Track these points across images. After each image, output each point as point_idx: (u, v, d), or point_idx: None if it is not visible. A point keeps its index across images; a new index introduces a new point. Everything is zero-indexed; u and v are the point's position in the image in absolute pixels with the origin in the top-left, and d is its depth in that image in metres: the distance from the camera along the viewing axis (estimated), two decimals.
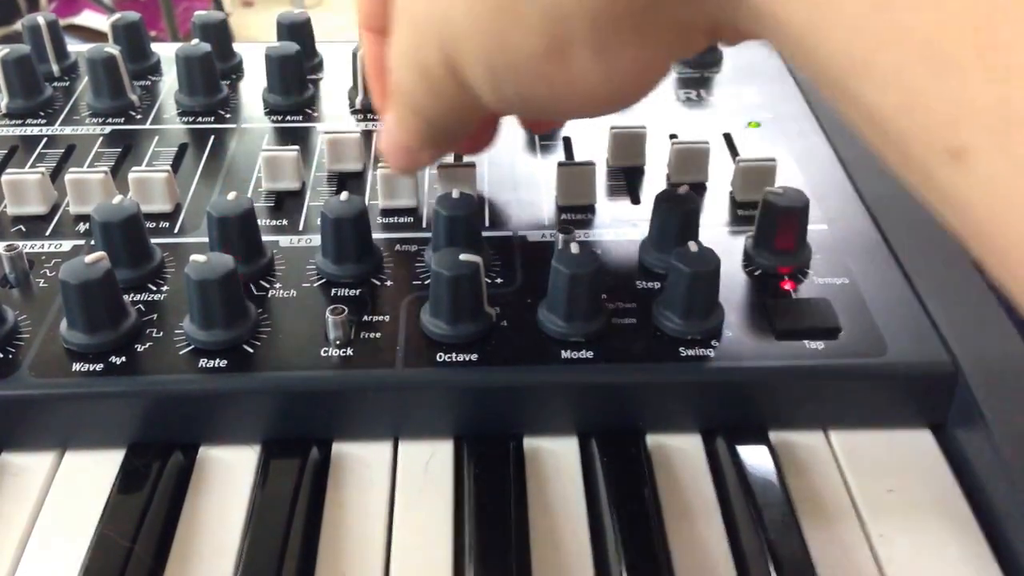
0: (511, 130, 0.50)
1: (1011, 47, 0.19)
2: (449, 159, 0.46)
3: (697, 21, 0.31)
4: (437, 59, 0.33)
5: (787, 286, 0.40)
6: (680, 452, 0.37)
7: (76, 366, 0.36)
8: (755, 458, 0.36)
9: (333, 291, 0.40)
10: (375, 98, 0.44)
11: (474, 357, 0.36)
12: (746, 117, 0.52)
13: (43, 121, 0.52)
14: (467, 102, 0.35)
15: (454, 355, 0.37)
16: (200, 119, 0.53)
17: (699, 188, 0.47)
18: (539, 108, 0.34)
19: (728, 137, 0.51)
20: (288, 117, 0.53)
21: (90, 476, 0.36)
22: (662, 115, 0.52)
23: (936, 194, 0.22)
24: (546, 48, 0.30)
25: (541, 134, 0.51)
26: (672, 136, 0.51)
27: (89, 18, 2.34)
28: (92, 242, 0.42)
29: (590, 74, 0.31)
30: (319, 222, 0.41)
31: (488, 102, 0.34)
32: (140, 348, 0.37)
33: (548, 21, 0.30)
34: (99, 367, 0.36)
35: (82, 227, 0.44)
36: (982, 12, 0.19)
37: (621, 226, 0.44)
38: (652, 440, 0.37)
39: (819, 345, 0.37)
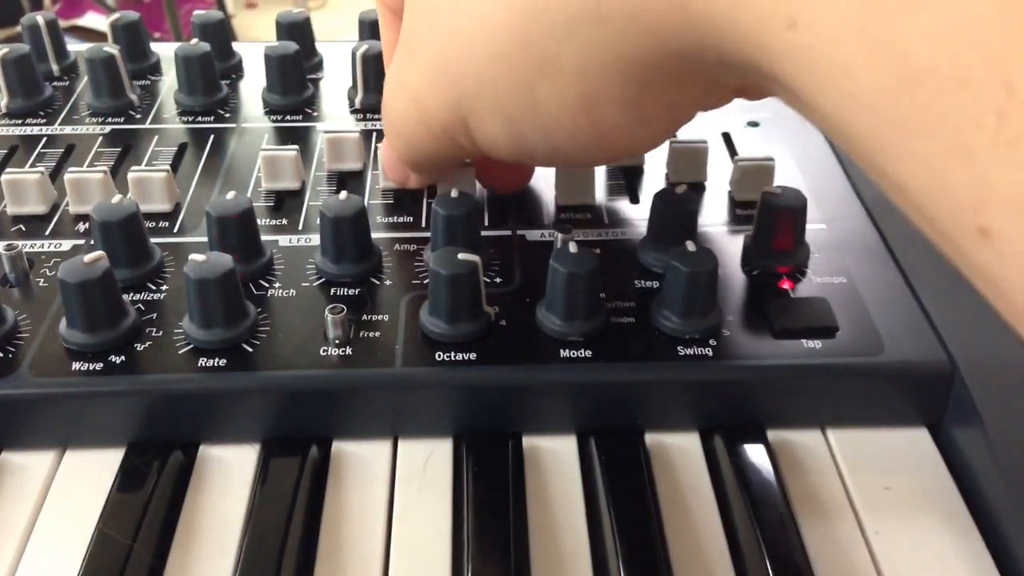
0: None
1: None
2: None
3: (727, 80, 0.31)
4: (445, 104, 0.33)
5: (785, 285, 0.40)
6: (678, 450, 0.37)
7: (76, 365, 0.36)
8: (753, 456, 0.36)
9: (332, 290, 0.40)
10: None
11: (473, 356, 0.37)
12: (745, 116, 0.53)
13: (43, 121, 0.52)
14: (460, 144, 0.35)
15: (453, 354, 0.37)
16: (200, 119, 0.53)
17: (698, 187, 0.47)
18: (559, 157, 0.34)
19: (727, 136, 0.51)
20: (288, 117, 0.53)
21: (90, 475, 0.36)
22: None
23: (968, 268, 0.22)
24: (576, 101, 0.30)
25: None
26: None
27: (92, 20, 2.34)
28: (91, 241, 0.42)
29: (619, 127, 0.31)
30: (318, 221, 0.41)
31: (501, 151, 0.34)
32: (140, 347, 0.37)
33: (579, 76, 0.30)
34: (99, 366, 0.36)
35: (82, 227, 0.44)
36: (1003, 103, 0.19)
37: (620, 225, 0.44)
38: (650, 439, 0.37)
39: (817, 344, 0.37)
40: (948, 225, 0.22)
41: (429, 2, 0.33)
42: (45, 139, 0.51)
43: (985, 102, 0.19)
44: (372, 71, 0.52)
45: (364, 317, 0.38)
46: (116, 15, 0.57)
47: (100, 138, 0.51)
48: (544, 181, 0.47)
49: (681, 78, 0.30)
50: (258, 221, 0.41)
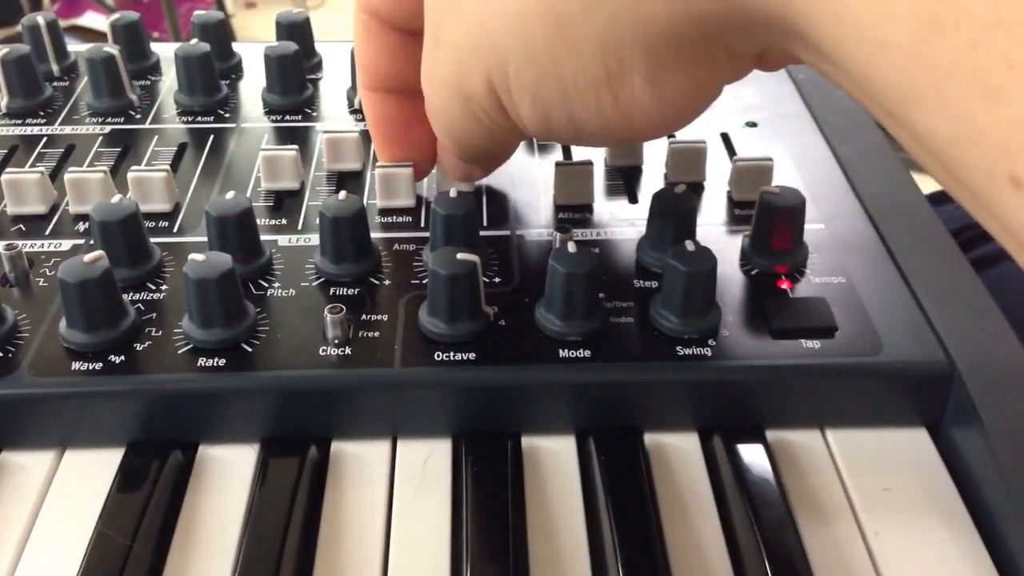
0: None
1: None
2: None
3: (748, 48, 0.31)
4: (481, 86, 0.33)
5: (784, 285, 0.40)
6: (677, 450, 0.37)
7: (75, 365, 0.36)
8: (752, 456, 0.36)
9: (332, 290, 0.40)
10: (381, 156, 0.45)
11: (472, 356, 0.37)
12: (743, 117, 0.53)
13: (43, 121, 0.52)
14: (507, 128, 0.35)
15: (452, 354, 0.37)
16: (199, 119, 0.53)
17: (696, 187, 0.47)
18: (587, 135, 0.34)
19: (725, 137, 0.51)
20: (287, 117, 0.53)
21: (89, 475, 0.36)
22: None
23: (996, 220, 0.22)
24: (600, 76, 0.30)
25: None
26: (670, 136, 0.51)
27: (92, 19, 2.34)
28: (91, 241, 0.42)
29: (643, 100, 0.31)
30: (318, 221, 0.41)
31: (531, 130, 0.34)
32: (139, 347, 0.37)
33: (603, 49, 0.30)
34: (98, 366, 0.36)
35: (82, 226, 0.44)
36: None
37: (619, 225, 0.44)
38: (649, 439, 0.37)
39: (815, 344, 0.37)
40: (976, 175, 0.21)
41: None
42: (45, 139, 0.51)
43: (1019, 42, 0.19)
44: None
45: (363, 317, 0.38)
46: (116, 15, 0.57)
47: (100, 138, 0.51)
48: (543, 181, 0.47)
49: (701, 47, 0.30)
50: (258, 221, 0.41)
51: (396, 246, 0.43)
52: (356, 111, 0.53)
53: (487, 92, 0.33)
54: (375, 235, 0.43)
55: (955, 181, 0.23)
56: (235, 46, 0.59)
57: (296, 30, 0.57)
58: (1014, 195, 0.20)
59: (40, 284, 0.40)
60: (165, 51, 0.59)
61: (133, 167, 0.45)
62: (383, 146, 0.44)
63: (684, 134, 0.50)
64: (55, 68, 0.57)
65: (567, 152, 0.50)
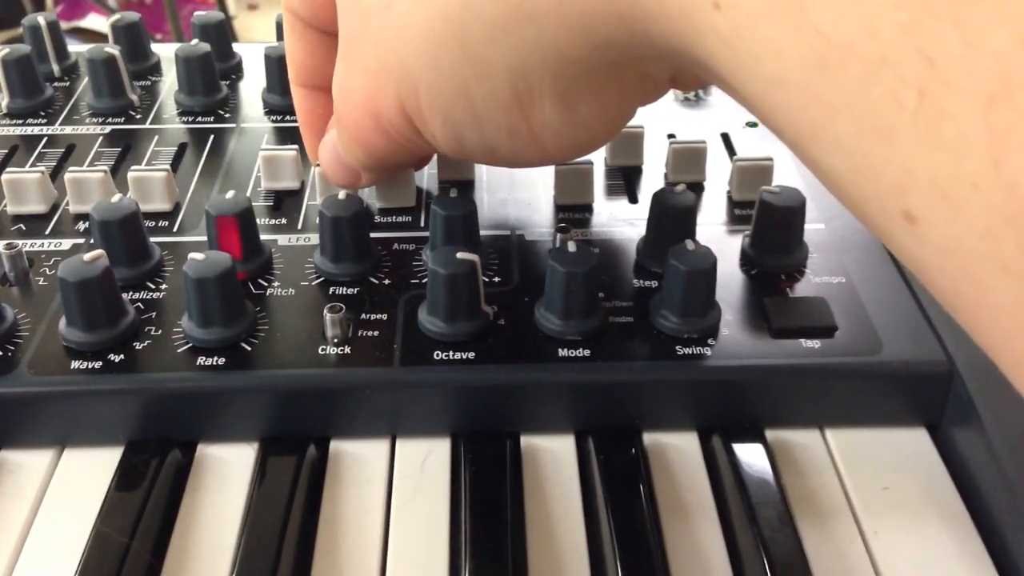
0: None
1: (954, 117, 0.18)
2: None
3: (660, 72, 0.31)
4: (392, 107, 0.33)
5: (784, 285, 0.40)
6: (676, 450, 0.37)
7: (75, 364, 0.36)
8: (751, 456, 0.36)
9: (331, 289, 0.40)
10: (310, 154, 0.44)
11: (471, 355, 0.37)
12: (744, 116, 0.53)
13: (43, 121, 0.52)
14: (420, 145, 0.35)
15: (451, 353, 0.37)
16: (200, 119, 0.53)
17: (697, 187, 0.47)
18: (500, 156, 0.34)
19: (726, 136, 0.51)
20: (287, 117, 0.53)
21: (88, 473, 0.36)
22: (660, 114, 0.53)
23: (898, 254, 0.22)
24: (510, 99, 0.30)
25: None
26: (670, 135, 0.51)
27: (94, 21, 2.34)
28: (91, 241, 0.42)
29: (555, 125, 0.31)
30: (318, 221, 0.41)
31: (444, 149, 0.34)
32: (139, 346, 0.37)
33: (511, 74, 0.30)
34: (98, 365, 0.36)
35: (82, 226, 0.44)
36: (924, 79, 0.19)
37: (618, 225, 0.44)
38: (648, 438, 0.37)
39: (815, 344, 0.37)
40: (873, 211, 0.21)
41: (361, 5, 0.33)
42: (45, 139, 0.51)
43: (906, 80, 0.19)
44: None
45: (363, 316, 0.38)
46: (116, 16, 0.57)
47: (100, 138, 0.51)
48: (543, 181, 0.47)
49: (612, 71, 0.30)
50: (257, 220, 0.41)
51: (396, 246, 0.43)
52: None
53: (398, 113, 0.33)
54: (374, 235, 0.43)
55: (860, 214, 0.23)
56: (235, 46, 0.59)
57: None
58: (908, 231, 0.20)
59: (40, 283, 0.40)
60: (166, 51, 0.59)
61: (133, 167, 0.45)
62: (311, 141, 0.44)
63: (685, 134, 0.50)
64: (56, 68, 0.57)
65: None
